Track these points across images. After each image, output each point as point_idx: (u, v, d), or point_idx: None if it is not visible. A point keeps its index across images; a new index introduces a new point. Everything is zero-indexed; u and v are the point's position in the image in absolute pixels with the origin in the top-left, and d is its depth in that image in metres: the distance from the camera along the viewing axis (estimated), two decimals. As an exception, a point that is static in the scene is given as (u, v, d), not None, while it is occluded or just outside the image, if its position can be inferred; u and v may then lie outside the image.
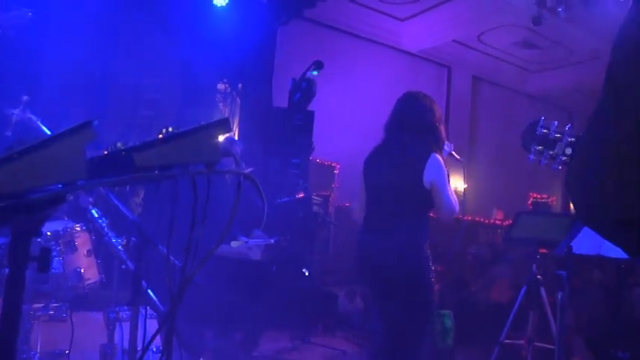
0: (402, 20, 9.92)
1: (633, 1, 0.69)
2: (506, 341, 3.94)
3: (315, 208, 5.70)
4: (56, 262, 3.07)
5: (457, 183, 6.85)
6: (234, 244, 4.11)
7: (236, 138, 6.81)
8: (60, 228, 3.14)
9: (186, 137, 1.05)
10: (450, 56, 11.17)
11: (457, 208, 2.93)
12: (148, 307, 2.50)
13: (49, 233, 3.05)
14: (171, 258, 1.39)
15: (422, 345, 2.91)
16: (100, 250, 3.32)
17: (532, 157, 1.43)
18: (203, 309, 3.83)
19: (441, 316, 4.39)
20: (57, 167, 0.89)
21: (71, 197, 3.03)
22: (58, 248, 3.08)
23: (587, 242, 3.07)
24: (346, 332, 5.79)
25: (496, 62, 11.39)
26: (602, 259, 3.26)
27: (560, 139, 1.37)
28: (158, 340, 2.72)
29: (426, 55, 10.97)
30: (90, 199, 2.93)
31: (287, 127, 6.80)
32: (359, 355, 5.10)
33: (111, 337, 2.85)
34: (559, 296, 2.98)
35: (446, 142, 3.05)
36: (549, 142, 1.38)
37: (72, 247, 3.15)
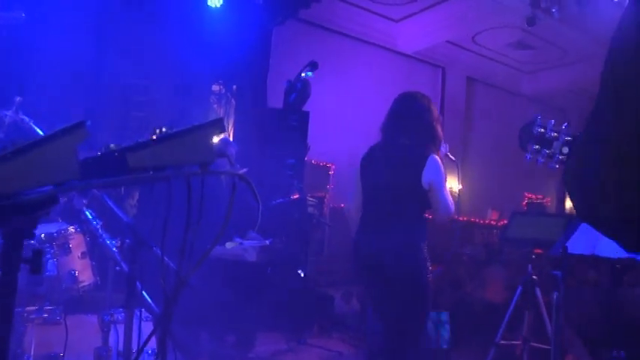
0: (396, 21, 9.93)
1: (630, 1, 0.69)
2: (502, 342, 3.94)
3: (310, 209, 5.69)
4: (50, 264, 3.04)
5: (452, 184, 6.86)
6: (228, 245, 4.10)
7: (231, 139, 6.79)
8: (54, 230, 3.11)
9: (179, 138, 1.04)
10: (444, 57, 11.19)
11: (453, 209, 2.93)
12: (143, 310, 2.49)
13: (43, 235, 3.02)
14: (166, 259, 1.38)
15: (418, 344, 2.91)
16: (95, 252, 3.30)
17: (529, 156, 1.42)
18: (198, 311, 3.82)
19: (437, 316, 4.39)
20: (49, 168, 0.88)
21: (65, 199, 3.01)
22: (52, 250, 3.05)
23: (582, 242, 3.08)
24: (342, 333, 5.77)
25: (490, 63, 11.42)
26: (597, 259, 3.26)
27: (556, 138, 1.37)
28: (154, 342, 2.70)
29: (421, 56, 10.98)
30: (84, 201, 2.92)
31: (282, 127, 6.79)
32: (355, 357, 5.09)
33: (105, 339, 2.83)
34: (554, 296, 2.98)
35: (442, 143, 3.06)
36: (546, 141, 1.38)
37: (66, 250, 3.13)
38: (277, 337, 5.20)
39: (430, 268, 2.89)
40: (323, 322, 5.86)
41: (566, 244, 3.03)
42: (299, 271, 5.65)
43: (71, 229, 3.18)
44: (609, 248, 2.97)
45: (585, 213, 0.73)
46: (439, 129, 3.02)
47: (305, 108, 6.95)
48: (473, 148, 11.68)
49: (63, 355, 2.73)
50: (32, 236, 1.01)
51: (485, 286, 5.57)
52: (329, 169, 9.45)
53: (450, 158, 3.10)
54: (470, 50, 10.90)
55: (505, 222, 6.68)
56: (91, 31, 6.03)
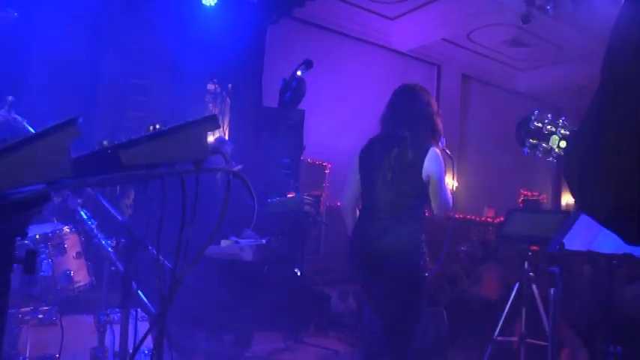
0: (391, 19, 9.92)
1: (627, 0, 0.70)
2: (499, 338, 3.94)
3: (307, 208, 5.68)
4: (45, 264, 3.02)
5: (447, 180, 6.86)
6: (224, 243, 4.09)
7: (226, 138, 6.78)
8: (49, 230, 3.09)
9: (173, 134, 1.02)
10: (439, 55, 11.20)
11: (451, 203, 2.93)
12: (139, 309, 2.47)
13: (37, 235, 3.00)
14: (162, 259, 1.37)
15: (414, 338, 2.90)
16: (90, 252, 3.28)
17: (526, 150, 1.42)
18: (195, 310, 3.81)
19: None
20: (41, 166, 0.87)
21: (60, 199, 2.99)
22: (47, 251, 3.03)
23: (579, 238, 3.07)
24: (339, 332, 5.77)
25: (485, 60, 11.43)
26: (593, 254, 3.26)
27: (554, 133, 1.37)
28: (150, 342, 2.69)
29: (416, 54, 10.99)
30: (79, 201, 2.90)
31: (277, 126, 6.78)
32: (352, 355, 5.08)
33: (101, 340, 2.81)
34: (552, 292, 2.98)
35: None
36: (543, 136, 1.37)
37: (61, 250, 3.11)
38: (274, 336, 5.19)
39: (428, 260, 2.88)
40: (319, 320, 5.86)
41: (563, 241, 3.03)
42: (295, 270, 5.64)
43: (66, 229, 3.16)
44: (606, 244, 2.97)
45: (585, 206, 0.74)
46: (439, 122, 3.00)
47: (300, 107, 6.94)
48: (468, 146, 11.69)
49: (59, 356, 2.71)
50: (25, 235, 0.99)
51: (481, 283, 5.57)
52: (325, 167, 9.45)
53: (447, 153, 3.09)
54: (465, 48, 10.92)
55: (501, 219, 6.69)
56: (84, 31, 6.00)
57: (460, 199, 10.15)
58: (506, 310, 3.93)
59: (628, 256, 2.96)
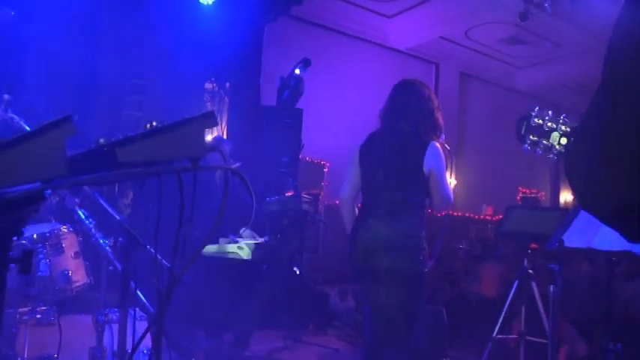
0: (389, 17, 9.91)
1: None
2: (499, 337, 3.93)
3: (305, 207, 5.67)
4: (43, 264, 3.01)
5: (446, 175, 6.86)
6: (222, 241, 4.08)
7: (225, 137, 6.77)
8: (46, 230, 3.08)
9: (170, 131, 1.01)
10: (437, 53, 11.18)
11: (452, 197, 2.92)
12: (137, 309, 2.46)
13: (35, 235, 2.98)
14: (160, 258, 1.36)
15: (413, 335, 2.89)
16: (88, 251, 3.26)
17: (527, 147, 1.41)
18: (194, 309, 3.80)
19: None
20: (36, 164, 0.85)
21: (57, 198, 2.98)
22: (44, 250, 3.02)
23: (578, 236, 3.07)
24: (338, 331, 5.77)
25: (484, 58, 11.42)
26: (591, 252, 3.26)
27: (554, 129, 1.36)
28: (149, 341, 2.68)
29: (414, 52, 10.97)
30: (76, 200, 2.88)
31: (276, 125, 6.77)
32: (352, 354, 5.08)
33: (100, 339, 2.80)
34: (551, 290, 2.97)
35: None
36: (544, 133, 1.36)
37: (59, 250, 3.09)
38: (273, 335, 5.18)
39: (428, 256, 2.87)
40: (319, 319, 5.85)
41: (562, 238, 3.02)
42: (294, 269, 5.63)
43: (64, 228, 3.14)
44: (605, 241, 2.96)
45: (587, 205, 0.75)
46: (439, 117, 2.99)
47: (298, 105, 6.93)
48: (467, 144, 11.69)
49: (57, 356, 2.70)
50: (21, 234, 0.98)
51: (480, 281, 5.57)
52: (323, 166, 9.44)
53: (445, 147, 3.08)
54: (463, 46, 10.90)
55: (500, 217, 6.69)
56: (81, 30, 5.97)
57: (458, 197, 10.14)
58: (505, 308, 3.93)
59: (627, 254, 2.96)
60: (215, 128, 6.60)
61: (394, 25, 10.08)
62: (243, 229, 4.31)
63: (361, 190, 3.03)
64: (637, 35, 0.66)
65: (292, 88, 6.76)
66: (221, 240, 4.10)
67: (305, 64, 6.70)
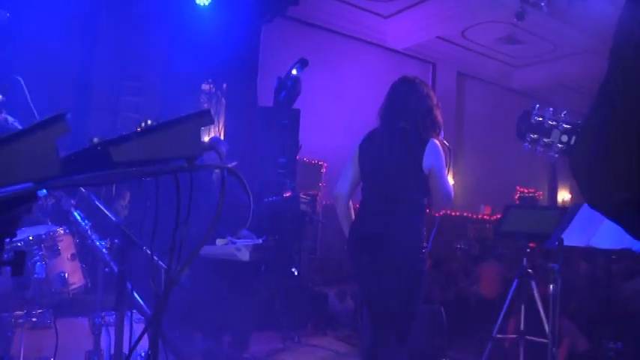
0: (385, 17, 9.91)
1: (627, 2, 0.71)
2: (498, 336, 3.92)
3: (303, 207, 5.66)
4: (39, 267, 2.98)
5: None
6: (219, 242, 4.06)
7: (222, 138, 6.75)
8: (42, 232, 3.05)
9: (165, 130, 0.99)
10: (434, 53, 11.19)
11: (453, 194, 2.91)
12: (134, 311, 2.44)
13: (31, 237, 2.96)
14: (156, 259, 1.34)
15: (412, 334, 2.87)
16: (85, 253, 3.24)
17: (527, 145, 1.39)
18: (192, 311, 3.78)
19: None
20: (27, 164, 0.83)
21: (53, 200, 2.96)
22: (40, 253, 2.99)
23: (577, 235, 3.06)
24: (337, 332, 5.75)
25: (481, 58, 11.43)
26: (591, 251, 3.25)
27: (555, 127, 1.34)
28: (146, 344, 2.66)
29: (411, 52, 10.97)
30: (72, 202, 2.86)
31: (273, 126, 6.75)
32: (351, 355, 5.06)
33: (97, 342, 2.78)
34: (551, 289, 2.96)
35: None
36: (545, 130, 1.35)
37: (55, 252, 3.07)
38: (272, 336, 5.16)
39: (428, 255, 2.86)
40: (317, 320, 5.83)
41: (562, 237, 3.01)
42: (293, 270, 5.61)
43: (60, 230, 3.12)
44: (604, 239, 2.95)
45: (593, 202, 0.75)
46: (438, 114, 2.98)
47: (295, 106, 6.92)
48: (465, 144, 11.69)
49: (53, 360, 2.68)
50: (13, 236, 0.96)
51: (479, 281, 5.56)
52: (321, 166, 9.42)
53: (445, 144, 3.06)
54: (460, 45, 10.91)
55: (498, 216, 6.68)
56: (77, 32, 5.96)
57: (456, 196, 10.10)
58: (505, 308, 3.92)
59: (626, 252, 2.95)
60: (212, 129, 6.58)
61: (391, 25, 10.07)
62: (241, 230, 4.29)
63: (361, 188, 3.02)
64: (637, 35, 0.67)
65: (289, 89, 6.74)
66: (218, 240, 4.08)
67: (302, 64, 6.69)
